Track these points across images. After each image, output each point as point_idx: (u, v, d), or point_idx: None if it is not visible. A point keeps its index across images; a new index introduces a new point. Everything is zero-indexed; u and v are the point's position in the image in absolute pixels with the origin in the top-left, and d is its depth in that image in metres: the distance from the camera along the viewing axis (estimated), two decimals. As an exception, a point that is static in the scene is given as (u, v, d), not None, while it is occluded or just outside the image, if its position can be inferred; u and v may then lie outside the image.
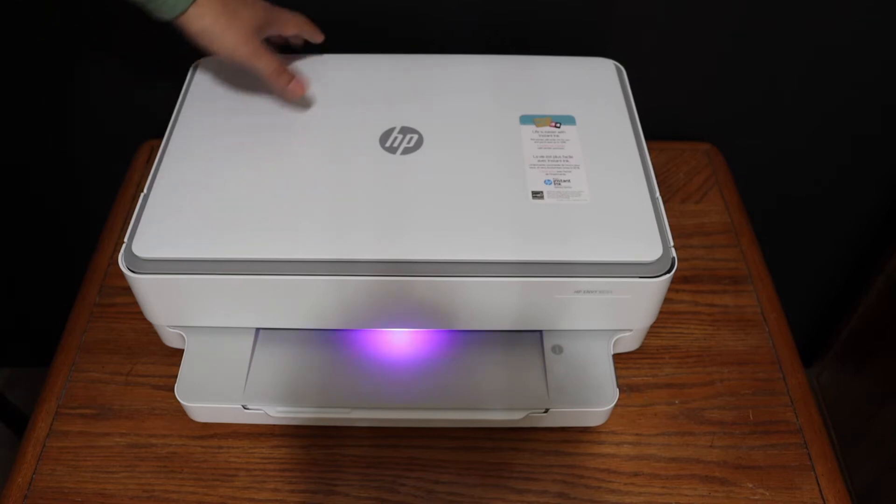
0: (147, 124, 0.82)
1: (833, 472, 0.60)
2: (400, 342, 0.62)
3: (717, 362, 0.66)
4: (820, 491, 0.59)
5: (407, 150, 0.61)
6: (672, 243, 0.56)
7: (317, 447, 0.60)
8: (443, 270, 0.54)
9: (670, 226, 0.57)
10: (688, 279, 0.72)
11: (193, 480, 0.59)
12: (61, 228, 1.04)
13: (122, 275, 0.55)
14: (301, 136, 0.63)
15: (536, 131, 0.63)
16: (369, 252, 0.55)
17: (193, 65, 0.70)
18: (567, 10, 0.78)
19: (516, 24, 0.80)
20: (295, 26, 0.65)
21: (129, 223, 0.57)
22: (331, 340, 0.62)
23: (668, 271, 0.55)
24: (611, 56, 0.71)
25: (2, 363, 1.28)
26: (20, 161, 0.95)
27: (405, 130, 0.63)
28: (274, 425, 0.61)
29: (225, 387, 0.59)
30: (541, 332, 0.62)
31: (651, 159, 0.62)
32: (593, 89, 0.68)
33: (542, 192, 0.58)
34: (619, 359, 0.66)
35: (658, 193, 0.59)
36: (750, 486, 0.59)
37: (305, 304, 0.57)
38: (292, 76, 0.62)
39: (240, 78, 0.68)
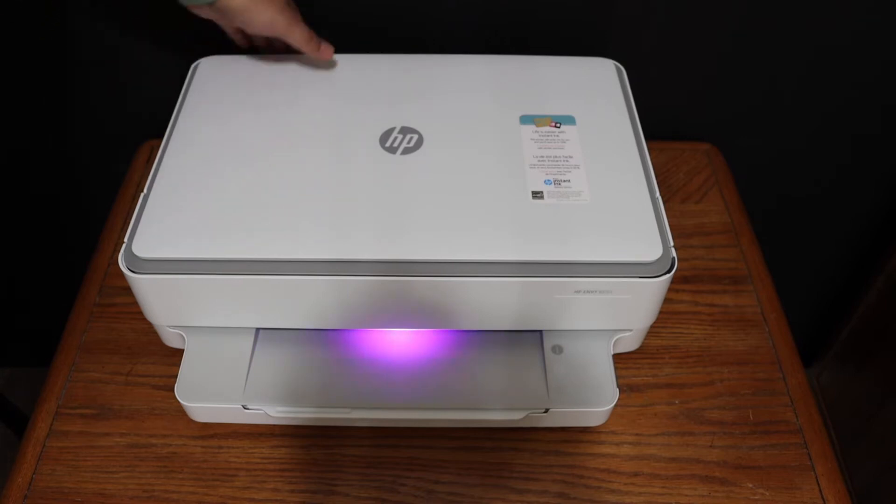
0: (147, 124, 0.82)
1: (833, 472, 0.60)
2: (400, 342, 0.62)
3: (717, 362, 0.66)
4: (820, 491, 0.59)
5: (407, 150, 0.61)
6: (672, 243, 0.56)
7: (317, 447, 0.60)
8: (443, 270, 0.54)
9: (670, 226, 0.57)
10: (688, 279, 0.72)
11: (193, 480, 0.59)
12: (61, 228, 1.04)
13: (122, 275, 0.55)
14: (301, 135, 0.63)
15: (536, 131, 0.63)
16: (369, 252, 0.55)
17: (193, 65, 0.70)
18: (567, 10, 0.78)
19: (516, 24, 0.80)
20: (297, 41, 0.66)
21: (129, 223, 0.57)
22: (331, 340, 0.62)
23: (668, 271, 0.55)
24: (611, 56, 0.71)
25: (2, 363, 1.28)
26: (20, 161, 0.95)
27: (405, 130, 0.63)
28: (274, 425, 0.61)
29: (225, 387, 0.59)
30: (541, 332, 0.62)
31: (651, 159, 0.62)
32: (593, 89, 0.68)
33: (542, 192, 0.58)
34: (619, 359, 0.66)
35: (658, 193, 0.59)
36: (750, 486, 0.59)
37: (305, 304, 0.57)
38: (321, 41, 0.68)
39: (240, 78, 0.68)
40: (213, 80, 0.68)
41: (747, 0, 0.77)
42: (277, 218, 0.56)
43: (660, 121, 0.84)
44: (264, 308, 0.58)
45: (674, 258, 0.56)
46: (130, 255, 0.55)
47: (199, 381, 0.59)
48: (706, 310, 0.70)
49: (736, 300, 0.71)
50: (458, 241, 0.55)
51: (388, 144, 0.62)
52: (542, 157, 0.61)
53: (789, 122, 0.90)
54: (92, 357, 0.66)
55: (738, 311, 0.70)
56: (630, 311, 0.58)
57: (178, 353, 0.62)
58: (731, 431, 0.62)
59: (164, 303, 0.58)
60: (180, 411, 0.61)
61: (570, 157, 0.61)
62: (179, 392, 0.58)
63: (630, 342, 0.64)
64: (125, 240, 0.56)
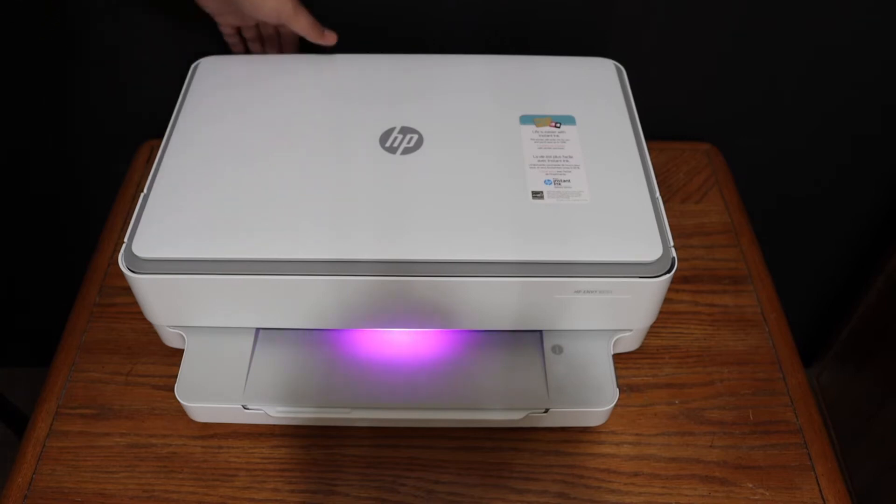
0: (147, 124, 0.82)
1: (833, 472, 0.60)
2: (400, 342, 0.62)
3: (717, 362, 0.66)
4: (820, 491, 0.59)
5: (407, 150, 0.61)
6: (672, 243, 0.56)
7: (317, 447, 0.60)
8: (443, 270, 0.54)
9: (670, 226, 0.57)
10: (688, 279, 0.72)
11: (193, 480, 0.59)
12: (61, 228, 1.04)
13: (122, 275, 0.55)
14: (301, 135, 0.63)
15: (536, 131, 0.63)
16: (369, 252, 0.55)
17: (193, 65, 0.70)
18: (567, 10, 0.78)
19: (516, 24, 0.80)
20: (303, 28, 0.67)
21: (129, 223, 0.57)
22: (331, 340, 0.62)
23: (668, 271, 0.55)
24: (611, 56, 0.71)
25: (2, 363, 1.28)
26: (20, 161, 0.95)
27: (405, 130, 0.63)
28: (274, 425, 0.61)
29: (225, 387, 0.59)
30: (541, 332, 0.62)
31: (651, 159, 0.62)
32: (593, 89, 0.68)
33: (542, 192, 0.58)
34: (619, 359, 0.66)
35: (658, 193, 0.59)
36: (750, 486, 0.59)
37: (305, 304, 0.57)
38: (324, 28, 0.69)
39: (240, 78, 0.68)
40: (213, 80, 0.68)
41: (747, 0, 0.77)
42: (277, 218, 0.56)
43: (660, 121, 0.84)
44: (264, 308, 0.58)
45: (674, 258, 0.56)
46: (130, 255, 0.55)
47: (199, 381, 0.59)
48: (706, 310, 0.70)
49: (736, 300, 0.71)
50: (458, 241, 0.55)
51: (388, 144, 0.62)
52: (542, 157, 0.61)
53: (789, 122, 0.90)
54: (92, 357, 0.66)
55: (738, 311, 0.70)
56: (630, 311, 0.58)
57: (178, 353, 0.62)
58: (731, 431, 0.62)
59: (164, 303, 0.58)
60: (180, 411, 0.61)
61: (570, 157, 0.61)
62: (179, 392, 0.58)
63: (630, 342, 0.64)
64: (125, 240, 0.56)
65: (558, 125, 0.64)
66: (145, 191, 0.59)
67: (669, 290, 0.58)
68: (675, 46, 0.82)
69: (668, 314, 0.69)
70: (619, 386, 0.59)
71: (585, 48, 0.77)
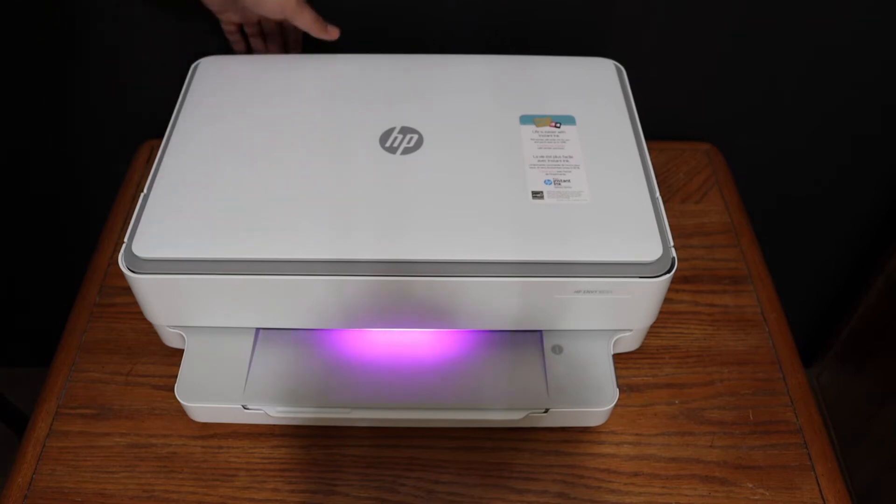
0: (147, 124, 0.82)
1: (833, 472, 0.60)
2: (400, 342, 0.62)
3: (717, 362, 0.66)
4: (820, 491, 0.59)
5: (407, 150, 0.61)
6: (672, 243, 0.56)
7: (317, 447, 0.60)
8: (443, 270, 0.54)
9: (670, 226, 0.57)
10: (688, 279, 0.72)
11: (193, 480, 0.59)
12: (61, 228, 1.04)
13: (122, 275, 0.55)
14: (301, 135, 0.63)
15: (536, 131, 0.63)
16: (369, 252, 0.55)
17: (193, 65, 0.70)
18: (567, 10, 0.78)
19: (516, 24, 0.80)
20: (306, 23, 0.68)
21: (129, 223, 0.57)
22: (331, 340, 0.62)
23: (668, 271, 0.55)
24: (611, 56, 0.71)
25: (2, 363, 1.28)
26: (20, 161, 0.95)
27: (405, 130, 0.63)
28: (274, 425, 0.61)
29: (225, 387, 0.59)
30: (541, 332, 0.62)
31: (651, 159, 0.62)
32: (593, 89, 0.68)
33: (542, 192, 0.58)
34: (619, 359, 0.66)
35: (658, 193, 0.59)
36: (750, 486, 0.59)
37: (305, 304, 0.57)
38: (326, 23, 0.70)
39: (240, 78, 0.68)
40: (213, 80, 0.68)
41: (747, 0, 0.77)
42: (277, 218, 0.56)
43: (660, 121, 0.84)
44: (264, 308, 0.58)
45: (674, 258, 0.56)
46: (130, 255, 0.55)
47: (199, 381, 0.59)
48: (706, 310, 0.70)
49: (736, 300, 0.71)
50: (458, 241, 0.55)
51: (388, 144, 0.62)
52: (542, 157, 0.61)
53: (789, 122, 0.90)
54: (92, 357, 0.66)
55: (738, 311, 0.70)
56: (630, 311, 0.58)
57: (178, 353, 0.62)
58: (731, 431, 0.62)
59: (164, 303, 0.58)
60: (180, 411, 0.61)
61: (570, 157, 0.61)
62: (179, 392, 0.58)
63: (630, 342, 0.64)
64: (125, 240, 0.56)
65: (558, 125, 0.64)
66: (145, 191, 0.59)
67: (669, 290, 0.58)
68: (675, 46, 0.82)
69: (668, 314, 0.69)
70: (619, 386, 0.59)
71: (585, 48, 0.77)
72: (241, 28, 0.72)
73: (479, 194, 0.58)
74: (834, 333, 1.17)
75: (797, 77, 0.85)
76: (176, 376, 0.59)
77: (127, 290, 0.59)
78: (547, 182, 0.59)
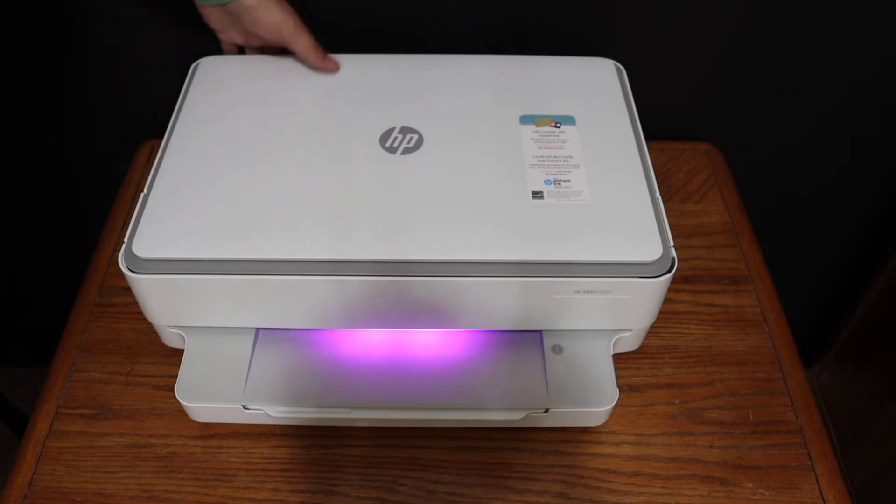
0: (147, 124, 0.82)
1: (833, 472, 0.60)
2: (400, 342, 0.62)
3: (717, 362, 0.66)
4: (820, 491, 0.59)
5: (407, 150, 0.61)
6: (672, 243, 0.56)
7: (317, 447, 0.60)
8: (443, 270, 0.54)
9: (670, 226, 0.57)
10: (688, 279, 0.72)
11: (193, 480, 0.59)
12: (61, 228, 1.04)
13: (122, 275, 0.55)
14: (301, 135, 0.63)
15: (536, 131, 0.63)
16: (369, 252, 0.55)
17: (193, 65, 0.70)
18: (567, 10, 0.78)
19: (516, 24, 0.80)
20: (303, 49, 0.67)
21: (129, 223, 0.57)
22: (331, 340, 0.62)
23: (668, 271, 0.55)
24: (611, 56, 0.71)
25: (2, 363, 1.28)
26: (20, 161, 0.95)
27: (405, 130, 0.63)
28: (274, 425, 0.61)
29: (225, 387, 0.59)
30: (541, 332, 0.62)
31: (651, 159, 0.62)
32: (593, 89, 0.68)
33: (542, 192, 0.58)
34: (619, 359, 0.66)
35: (658, 193, 0.59)
36: (750, 486, 0.59)
37: (305, 304, 0.57)
38: (326, 53, 0.68)
39: (240, 78, 0.68)
40: (213, 80, 0.68)
41: (747, 0, 0.77)
42: (277, 218, 0.56)
43: (660, 121, 0.84)
44: (264, 308, 0.58)
45: (674, 258, 0.56)
46: (130, 255, 0.55)
47: (199, 381, 0.59)
48: (706, 310, 0.70)
49: (736, 300, 0.71)
50: (458, 241, 0.55)
51: (388, 144, 0.62)
52: (542, 157, 0.61)
53: (789, 122, 0.90)
54: (92, 357, 0.66)
55: (738, 311, 0.70)
56: (630, 311, 0.58)
57: (178, 353, 0.62)
58: (731, 431, 0.62)
59: (163, 303, 0.58)
60: (180, 411, 0.61)
61: (570, 157, 0.61)
62: (179, 392, 0.58)
63: (630, 342, 0.64)
64: (125, 240, 0.56)
65: (558, 125, 0.64)
66: (145, 191, 0.59)
67: (669, 290, 0.58)
68: (675, 46, 0.82)
69: (668, 314, 0.69)
70: (619, 386, 0.59)
71: (585, 48, 0.77)
72: (242, 49, 0.72)
73: (479, 194, 0.58)
74: (834, 333, 1.17)
75: (797, 77, 0.85)
76: (176, 376, 0.59)
77: (127, 290, 0.59)
78: (547, 182, 0.59)
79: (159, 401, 0.63)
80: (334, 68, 0.68)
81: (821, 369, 1.22)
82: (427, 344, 0.62)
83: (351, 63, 0.70)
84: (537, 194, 0.58)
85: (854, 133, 0.91)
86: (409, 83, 0.68)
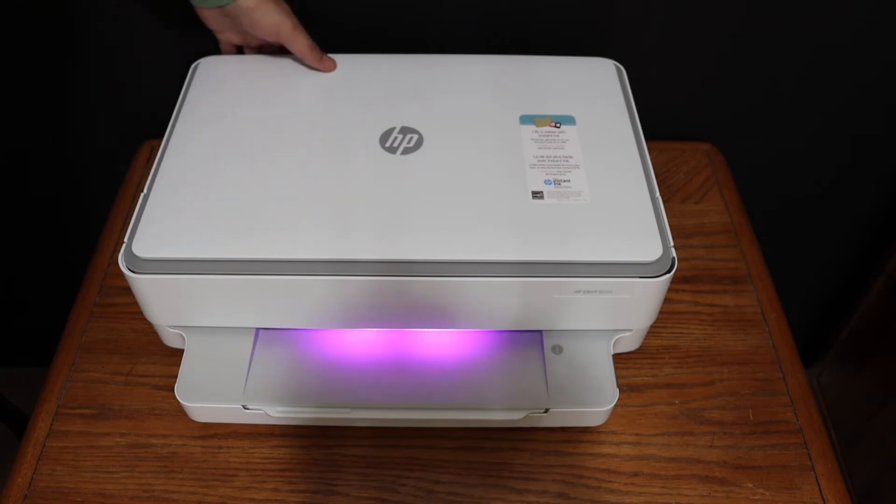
0: (147, 124, 0.82)
1: (833, 472, 0.60)
2: (400, 342, 0.62)
3: (717, 362, 0.66)
4: (820, 491, 0.59)
5: (407, 150, 0.61)
6: (672, 243, 0.56)
7: (317, 447, 0.60)
8: (443, 270, 0.54)
9: (670, 226, 0.57)
10: (688, 279, 0.72)
11: (193, 480, 0.59)
12: (61, 228, 1.04)
13: (122, 275, 0.55)
14: (301, 135, 0.63)
15: (536, 131, 0.63)
16: (369, 252, 0.55)
17: (193, 65, 0.70)
18: (567, 10, 0.78)
19: (516, 24, 0.80)
20: (300, 49, 0.67)
21: (129, 223, 0.57)
22: (331, 340, 0.62)
23: (668, 271, 0.55)
24: (611, 56, 0.71)
25: (2, 363, 1.28)
26: (20, 161, 0.95)
27: (405, 130, 0.63)
28: (274, 425, 0.61)
29: (225, 387, 0.59)
30: (541, 332, 0.62)
31: (651, 159, 0.62)
32: (593, 89, 0.68)
33: (542, 192, 0.58)
34: (619, 359, 0.66)
35: (658, 193, 0.59)
36: (750, 486, 0.59)
37: (305, 304, 0.57)
38: (323, 53, 0.68)
39: (240, 78, 0.68)
40: (213, 80, 0.68)
41: (747, 0, 0.77)
42: (277, 218, 0.56)
43: (660, 121, 0.84)
44: (264, 308, 0.58)
45: (674, 258, 0.56)
46: (130, 255, 0.55)
47: (199, 381, 0.59)
48: (706, 310, 0.70)
49: (736, 300, 0.71)
50: (458, 241, 0.55)
51: (388, 144, 0.62)
52: (542, 157, 0.61)
53: (789, 122, 0.90)
54: (92, 357, 0.66)
55: (738, 311, 0.70)
56: (630, 311, 0.58)
57: (178, 353, 0.62)
58: (731, 431, 0.62)
59: (164, 303, 0.58)
60: (180, 411, 0.61)
61: (570, 157, 0.61)
62: (179, 392, 0.58)
63: (630, 342, 0.64)
64: (125, 240, 0.56)
65: (558, 125, 0.64)
66: (145, 191, 0.59)
67: (669, 290, 0.58)
68: (675, 46, 0.82)
69: (668, 314, 0.69)
70: (619, 386, 0.59)
71: (585, 48, 0.77)
72: (240, 49, 0.72)
73: (479, 194, 0.58)
74: (834, 333, 1.17)
75: (797, 77, 0.85)
76: (176, 376, 0.59)
77: (127, 290, 0.59)
78: (547, 182, 0.59)
79: (159, 401, 0.63)
80: (332, 68, 0.69)
81: (821, 369, 1.22)
82: (427, 344, 0.62)
83: (351, 63, 0.70)
84: (537, 194, 0.58)
85: (854, 133, 0.91)
86: (409, 83, 0.68)
